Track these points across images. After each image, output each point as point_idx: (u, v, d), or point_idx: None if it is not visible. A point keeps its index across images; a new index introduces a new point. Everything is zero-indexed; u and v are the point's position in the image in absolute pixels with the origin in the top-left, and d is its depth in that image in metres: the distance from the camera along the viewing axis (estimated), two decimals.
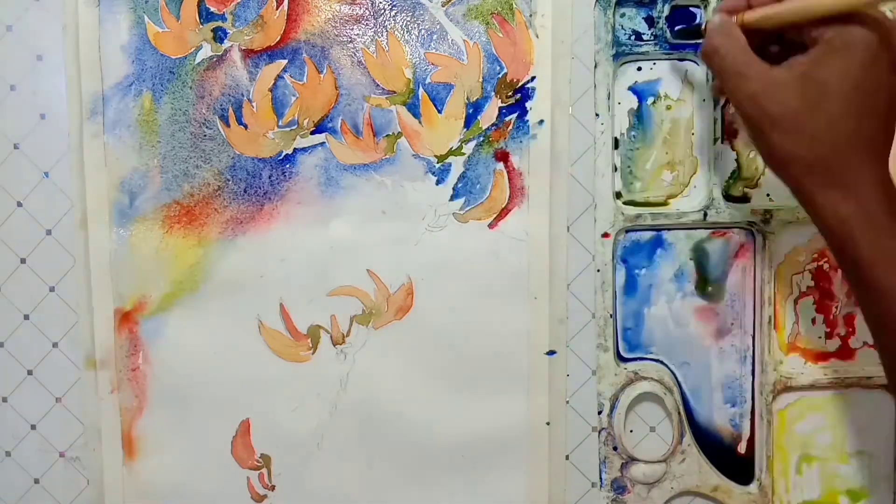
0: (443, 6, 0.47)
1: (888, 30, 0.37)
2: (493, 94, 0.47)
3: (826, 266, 0.49)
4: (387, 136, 0.47)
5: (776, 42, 0.41)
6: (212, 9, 0.46)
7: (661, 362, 0.49)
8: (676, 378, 0.49)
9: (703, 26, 0.46)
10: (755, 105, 0.38)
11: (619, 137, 0.48)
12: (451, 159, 0.47)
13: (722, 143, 0.48)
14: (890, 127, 0.37)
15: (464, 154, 0.47)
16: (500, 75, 0.47)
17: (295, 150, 0.47)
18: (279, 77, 0.47)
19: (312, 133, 0.47)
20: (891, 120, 0.37)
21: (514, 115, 0.47)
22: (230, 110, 0.47)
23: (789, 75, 0.37)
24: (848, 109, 0.36)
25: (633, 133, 0.48)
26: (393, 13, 0.47)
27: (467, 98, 0.47)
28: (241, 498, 0.49)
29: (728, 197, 0.48)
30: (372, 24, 0.47)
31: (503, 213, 0.47)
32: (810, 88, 0.37)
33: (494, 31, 0.47)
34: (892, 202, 0.37)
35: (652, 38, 0.47)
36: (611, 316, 0.48)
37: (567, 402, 0.49)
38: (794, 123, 0.37)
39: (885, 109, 0.37)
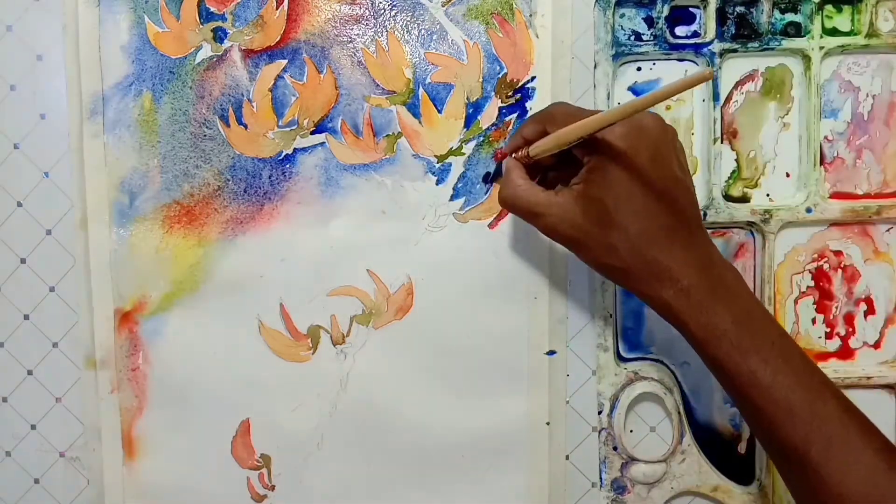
0: (443, 6, 0.47)
1: (639, 128, 0.38)
2: (493, 93, 0.47)
3: (826, 266, 0.49)
4: (387, 136, 0.47)
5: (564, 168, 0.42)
6: (212, 9, 0.46)
7: (661, 362, 0.49)
8: (676, 378, 0.49)
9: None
10: (556, 234, 0.40)
11: None
12: (451, 159, 0.47)
13: (722, 143, 0.48)
14: (681, 213, 0.39)
15: (464, 154, 0.47)
16: (500, 75, 0.47)
17: (295, 150, 0.47)
18: (279, 77, 0.47)
19: (312, 133, 0.47)
20: (679, 206, 0.39)
21: (515, 115, 0.47)
22: (230, 110, 0.47)
23: (569, 199, 0.39)
24: (630, 214, 0.38)
25: None
26: (393, 13, 0.47)
27: (467, 98, 0.47)
28: (241, 498, 0.49)
29: (728, 197, 0.48)
30: (372, 24, 0.47)
31: (503, 213, 0.47)
32: (590, 207, 0.39)
33: (494, 31, 0.47)
34: (706, 279, 0.39)
35: (651, 38, 0.47)
36: (611, 316, 0.48)
37: (567, 402, 0.49)
38: (591, 240, 0.39)
39: (669, 200, 0.39)
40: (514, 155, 0.43)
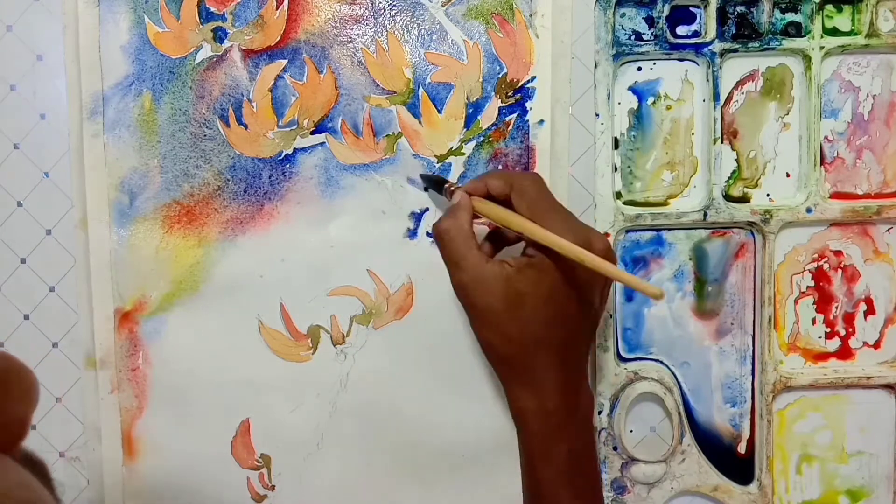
0: (443, 6, 0.46)
1: (592, 268, 0.38)
2: (493, 94, 0.47)
3: (826, 266, 0.49)
4: (387, 136, 0.47)
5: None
6: (212, 9, 0.46)
7: (661, 362, 0.49)
8: (676, 378, 0.49)
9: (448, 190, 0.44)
10: (464, 295, 0.40)
11: (619, 137, 0.48)
12: (451, 159, 0.47)
13: (722, 143, 0.48)
14: (579, 338, 0.40)
15: (464, 154, 0.47)
16: (500, 75, 0.47)
17: (295, 150, 0.47)
18: (279, 77, 0.47)
19: (312, 133, 0.47)
20: (580, 332, 0.40)
21: (514, 115, 0.47)
22: (230, 110, 0.47)
23: (497, 275, 0.39)
24: (539, 318, 0.39)
25: (633, 133, 0.48)
26: (393, 13, 0.47)
27: (467, 98, 0.47)
28: (241, 498, 0.49)
29: (728, 197, 0.48)
30: (372, 24, 0.47)
31: None
32: (510, 293, 0.39)
33: (494, 31, 0.47)
34: (569, 405, 0.40)
35: (652, 38, 0.47)
36: (611, 316, 0.48)
37: None
38: (493, 319, 0.40)
39: (576, 323, 0.40)
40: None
